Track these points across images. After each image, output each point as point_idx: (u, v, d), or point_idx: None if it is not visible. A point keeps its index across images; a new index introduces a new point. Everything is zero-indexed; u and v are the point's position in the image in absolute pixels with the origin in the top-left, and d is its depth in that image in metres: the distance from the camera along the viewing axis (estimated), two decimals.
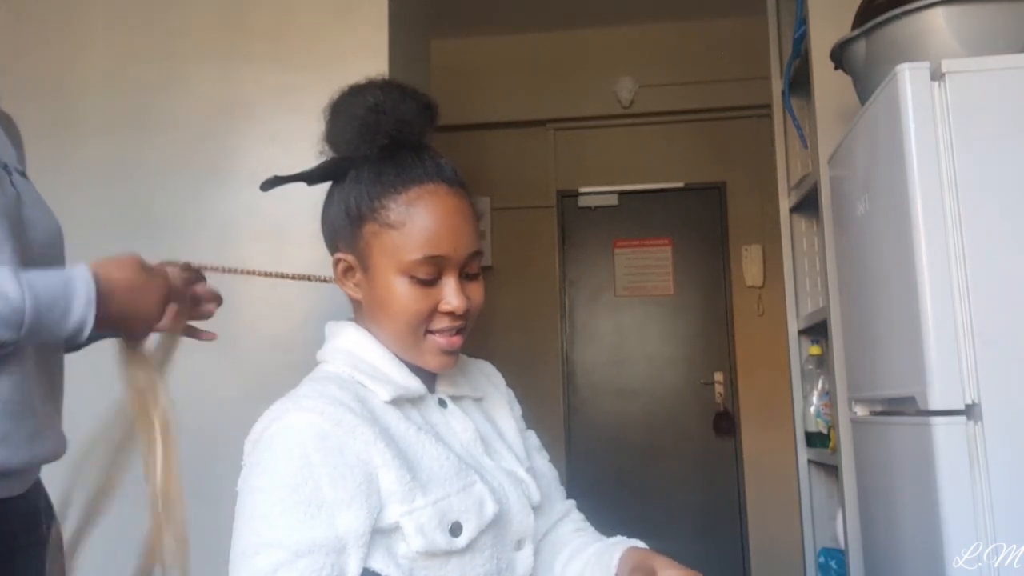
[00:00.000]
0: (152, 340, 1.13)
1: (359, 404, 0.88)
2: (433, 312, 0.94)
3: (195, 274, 1.19)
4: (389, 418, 0.91)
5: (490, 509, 0.90)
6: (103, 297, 0.98)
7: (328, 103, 0.97)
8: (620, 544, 1.01)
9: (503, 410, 1.10)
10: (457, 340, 0.96)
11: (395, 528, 0.85)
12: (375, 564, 0.84)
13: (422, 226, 0.91)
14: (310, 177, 0.98)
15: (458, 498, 0.88)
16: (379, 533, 0.84)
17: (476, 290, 0.97)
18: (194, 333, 1.22)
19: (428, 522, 0.85)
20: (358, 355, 0.96)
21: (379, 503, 0.84)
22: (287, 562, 0.78)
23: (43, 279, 0.94)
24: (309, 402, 0.86)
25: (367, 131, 0.93)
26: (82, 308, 0.95)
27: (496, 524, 0.92)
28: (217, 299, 1.24)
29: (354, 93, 0.96)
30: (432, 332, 0.95)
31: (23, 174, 1.13)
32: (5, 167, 1.06)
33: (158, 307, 1.06)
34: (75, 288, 0.95)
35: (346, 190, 0.96)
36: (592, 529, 1.12)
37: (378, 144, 0.94)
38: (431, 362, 0.96)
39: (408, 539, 0.84)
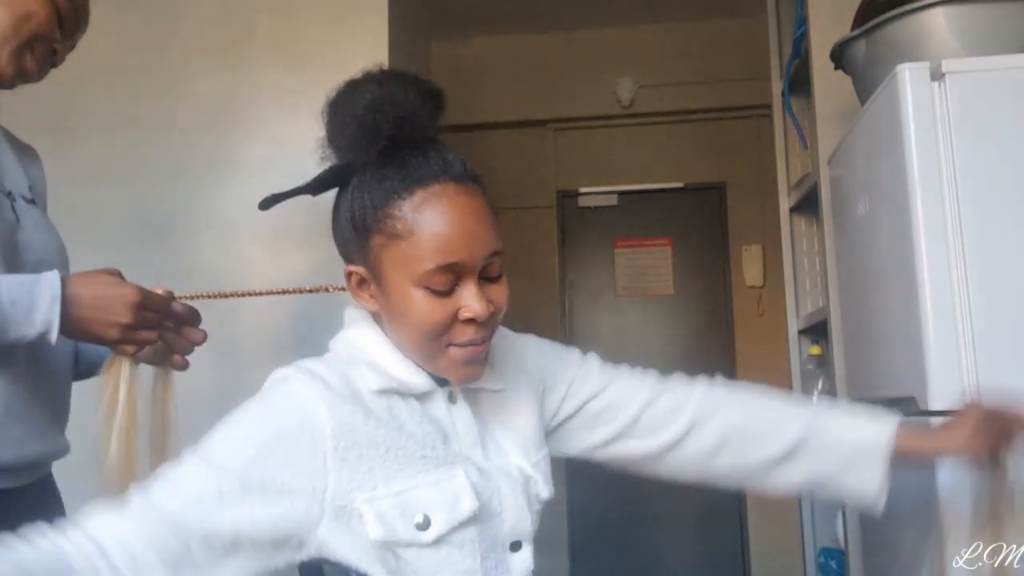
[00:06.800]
0: (147, 352, 1.12)
1: (344, 384, 0.87)
2: (454, 320, 0.88)
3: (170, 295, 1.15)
4: (372, 404, 0.88)
5: (466, 506, 0.87)
6: (70, 299, 1.00)
7: (325, 102, 0.91)
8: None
9: (526, 399, 1.01)
10: (478, 349, 0.90)
11: (358, 514, 0.84)
12: (342, 552, 0.83)
13: (431, 233, 0.85)
14: (311, 188, 0.93)
15: (426, 491, 0.86)
16: (343, 518, 0.83)
17: (498, 292, 0.91)
18: (168, 359, 1.18)
19: (389, 511, 0.84)
20: (360, 347, 0.93)
21: (320, 505, 0.83)
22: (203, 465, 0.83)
23: (8, 279, 0.98)
24: (292, 371, 0.89)
25: (365, 134, 0.87)
26: (47, 306, 0.98)
27: (478, 522, 0.89)
28: (194, 318, 1.19)
29: (350, 90, 0.90)
30: (454, 344, 0.89)
31: (32, 201, 1.18)
32: (9, 194, 1.12)
33: (128, 312, 1.04)
34: (40, 289, 0.98)
35: (350, 198, 0.90)
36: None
37: (377, 147, 0.88)
38: (456, 375, 0.91)
39: (368, 526, 0.83)
